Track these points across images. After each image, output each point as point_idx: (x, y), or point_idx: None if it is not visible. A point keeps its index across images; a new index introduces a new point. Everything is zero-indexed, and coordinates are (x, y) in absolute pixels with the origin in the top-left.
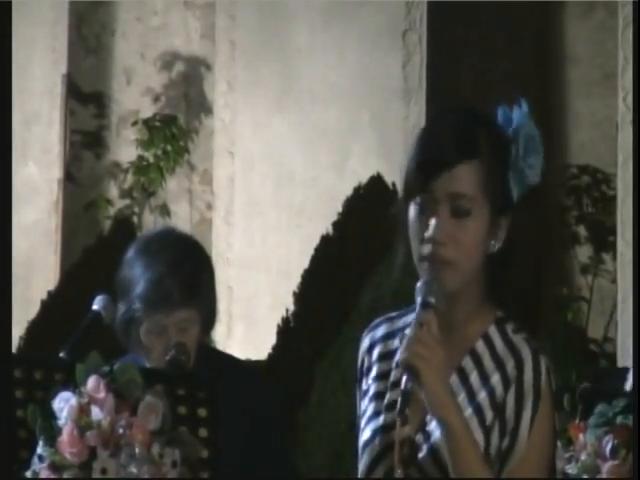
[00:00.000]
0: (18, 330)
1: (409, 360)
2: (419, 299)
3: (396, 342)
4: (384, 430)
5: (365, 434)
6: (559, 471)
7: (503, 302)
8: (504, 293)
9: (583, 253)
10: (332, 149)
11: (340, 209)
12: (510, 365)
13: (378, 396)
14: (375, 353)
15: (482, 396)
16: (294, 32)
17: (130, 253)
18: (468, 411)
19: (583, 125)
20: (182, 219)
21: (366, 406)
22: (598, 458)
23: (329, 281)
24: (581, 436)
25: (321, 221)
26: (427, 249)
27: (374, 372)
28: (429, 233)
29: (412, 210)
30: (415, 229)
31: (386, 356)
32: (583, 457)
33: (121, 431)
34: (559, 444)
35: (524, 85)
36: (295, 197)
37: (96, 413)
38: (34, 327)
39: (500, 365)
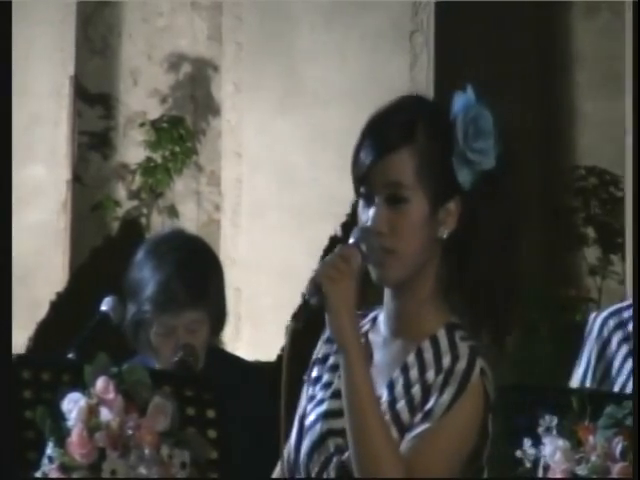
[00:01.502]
0: (26, 331)
1: (318, 279)
2: (351, 240)
3: None
4: (326, 416)
5: (309, 418)
6: (568, 472)
7: (459, 303)
8: (460, 289)
9: (591, 254)
10: (336, 150)
11: (346, 210)
12: (447, 359)
13: (327, 385)
14: (335, 345)
15: (415, 389)
16: (299, 34)
17: (139, 255)
18: (401, 402)
19: (590, 126)
20: (189, 220)
21: (316, 392)
22: (608, 459)
23: None
24: (591, 437)
25: (327, 222)
26: None
27: (330, 362)
28: (368, 223)
29: (360, 203)
30: (360, 221)
31: None
32: (593, 458)
33: (130, 432)
34: (568, 445)
35: (532, 86)
36: (297, 198)
37: (105, 414)
38: (42, 328)
39: (438, 360)
